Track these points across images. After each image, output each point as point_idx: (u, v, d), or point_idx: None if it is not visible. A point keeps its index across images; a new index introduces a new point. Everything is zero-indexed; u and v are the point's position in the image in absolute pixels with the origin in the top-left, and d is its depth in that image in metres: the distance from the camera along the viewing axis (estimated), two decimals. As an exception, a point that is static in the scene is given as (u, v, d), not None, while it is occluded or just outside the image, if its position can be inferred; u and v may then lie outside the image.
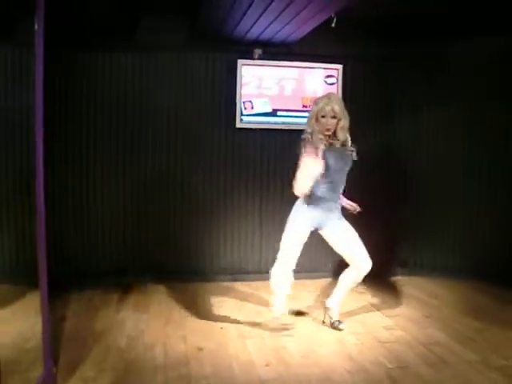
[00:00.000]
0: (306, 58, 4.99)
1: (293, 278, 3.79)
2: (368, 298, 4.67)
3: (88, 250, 4.93)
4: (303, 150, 3.49)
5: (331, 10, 3.78)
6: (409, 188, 5.37)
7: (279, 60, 4.96)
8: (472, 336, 3.72)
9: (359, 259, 3.72)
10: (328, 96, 3.71)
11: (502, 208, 5.07)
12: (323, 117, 3.57)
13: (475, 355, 3.39)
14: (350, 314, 4.20)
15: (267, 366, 3.26)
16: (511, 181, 5.00)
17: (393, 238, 5.34)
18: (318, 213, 3.67)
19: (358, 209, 3.88)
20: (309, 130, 3.62)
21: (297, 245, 3.72)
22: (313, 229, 3.74)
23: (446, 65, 5.20)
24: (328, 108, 3.55)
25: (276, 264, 3.79)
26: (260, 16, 3.91)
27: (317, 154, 3.41)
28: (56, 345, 3.25)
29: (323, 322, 3.97)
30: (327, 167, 3.52)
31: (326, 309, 3.96)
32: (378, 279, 5.06)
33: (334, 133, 3.61)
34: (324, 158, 3.48)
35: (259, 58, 4.91)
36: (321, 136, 3.56)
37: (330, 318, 3.92)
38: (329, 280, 5.06)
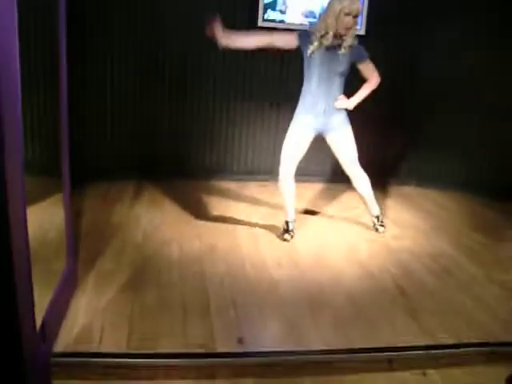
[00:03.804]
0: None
1: (293, 183, 3.83)
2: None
3: (101, 146, 4.95)
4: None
5: None
6: (425, 100, 5.23)
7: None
8: (478, 250, 3.81)
9: (352, 170, 3.85)
10: None
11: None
12: (347, 15, 3.43)
13: (479, 269, 3.49)
14: (359, 219, 4.28)
15: (279, 266, 3.38)
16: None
17: (402, 148, 5.32)
18: (314, 117, 3.67)
19: (345, 104, 3.70)
20: (323, 29, 3.49)
21: (296, 150, 3.73)
22: (314, 134, 3.74)
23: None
24: (354, 6, 3.42)
25: (280, 167, 3.82)
26: None
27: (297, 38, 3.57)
28: (74, 238, 3.35)
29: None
30: (316, 67, 3.55)
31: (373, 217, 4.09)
32: (388, 188, 5.13)
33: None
34: (314, 57, 3.54)
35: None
36: (331, 35, 3.48)
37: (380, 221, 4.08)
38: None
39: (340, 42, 3.53)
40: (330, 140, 3.78)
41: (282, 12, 4.85)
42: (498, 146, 5.07)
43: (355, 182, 3.92)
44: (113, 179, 4.80)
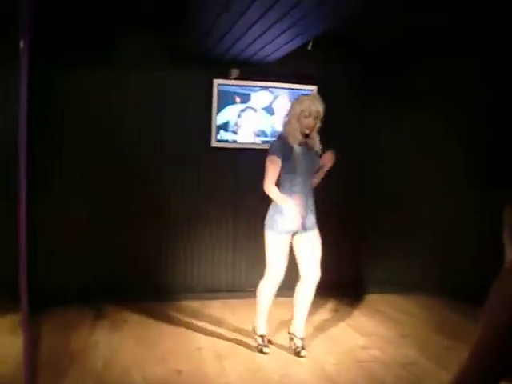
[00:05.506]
0: (282, 78, 5.04)
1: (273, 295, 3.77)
2: (341, 316, 4.68)
3: (56, 269, 4.83)
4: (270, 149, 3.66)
5: (312, 33, 3.84)
6: (380, 205, 5.45)
7: (255, 80, 5.00)
8: (446, 355, 3.78)
9: (311, 270, 3.72)
10: (312, 96, 3.79)
11: (471, 227, 5.19)
12: (306, 117, 3.56)
13: (449, 374, 3.44)
14: (325, 331, 4.23)
15: (247, 388, 3.25)
16: (480, 200, 5.12)
17: (364, 255, 5.41)
18: (291, 217, 3.58)
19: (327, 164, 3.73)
20: (288, 129, 3.63)
21: (283, 256, 3.67)
22: (291, 236, 3.68)
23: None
24: (314, 108, 3.55)
25: (263, 279, 3.75)
26: (242, 35, 3.90)
27: (279, 156, 3.58)
28: (32, 368, 3.16)
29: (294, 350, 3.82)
30: (297, 167, 3.60)
31: (290, 334, 3.86)
32: (350, 297, 5.13)
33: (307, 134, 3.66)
34: (295, 158, 3.59)
35: (236, 78, 4.92)
36: (299, 135, 3.60)
37: (296, 345, 3.81)
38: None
39: (310, 139, 3.66)
40: (300, 240, 3.71)
41: (235, 132, 5.05)
42: (456, 248, 5.24)
43: (305, 285, 3.73)
44: (70, 303, 4.63)
